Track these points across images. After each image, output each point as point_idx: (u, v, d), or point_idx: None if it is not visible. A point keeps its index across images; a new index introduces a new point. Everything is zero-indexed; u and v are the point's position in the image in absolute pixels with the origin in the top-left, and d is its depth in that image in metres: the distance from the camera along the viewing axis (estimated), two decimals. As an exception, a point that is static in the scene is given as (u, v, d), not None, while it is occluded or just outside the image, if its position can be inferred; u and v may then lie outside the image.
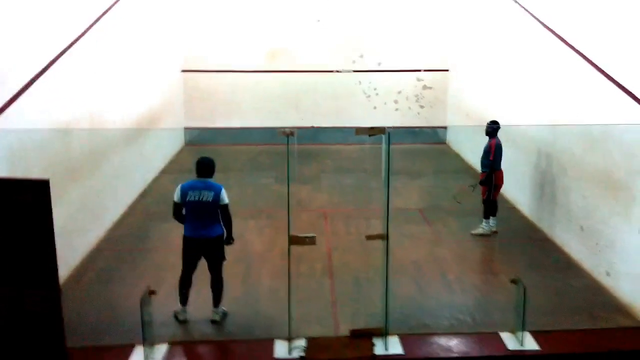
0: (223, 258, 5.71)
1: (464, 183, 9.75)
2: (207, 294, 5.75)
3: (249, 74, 13.34)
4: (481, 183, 7.97)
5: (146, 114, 10.39)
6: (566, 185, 7.38)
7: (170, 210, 5.64)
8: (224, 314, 5.77)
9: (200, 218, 5.53)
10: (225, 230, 5.67)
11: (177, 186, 5.62)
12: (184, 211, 5.61)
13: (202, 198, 5.48)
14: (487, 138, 7.96)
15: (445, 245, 7.75)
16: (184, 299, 5.70)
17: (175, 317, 5.69)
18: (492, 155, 7.78)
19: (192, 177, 5.79)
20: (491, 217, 8.01)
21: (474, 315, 5.88)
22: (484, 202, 7.99)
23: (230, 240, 5.74)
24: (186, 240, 5.63)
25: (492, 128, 7.91)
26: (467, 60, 12.27)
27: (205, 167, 5.60)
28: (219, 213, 5.57)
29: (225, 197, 5.54)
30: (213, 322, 5.66)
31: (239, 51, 13.22)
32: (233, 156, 11.92)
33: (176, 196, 5.56)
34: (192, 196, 5.49)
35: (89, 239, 7.37)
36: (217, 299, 5.71)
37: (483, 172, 7.99)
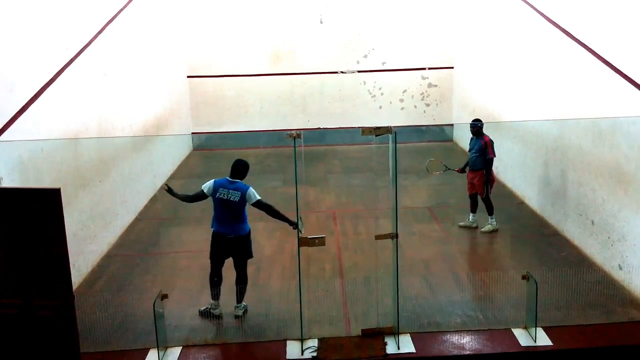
0: (249, 256, 5.89)
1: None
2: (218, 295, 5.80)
3: (255, 77, 13.39)
4: (485, 183, 7.89)
5: (154, 121, 10.46)
6: (575, 179, 7.34)
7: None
8: (246, 309, 5.91)
9: (228, 215, 5.73)
10: (284, 219, 5.68)
11: (210, 180, 5.79)
12: (197, 203, 5.84)
13: (229, 197, 5.69)
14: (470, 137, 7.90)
15: (455, 242, 7.73)
16: (215, 294, 5.84)
17: (210, 312, 5.80)
18: (491, 151, 7.74)
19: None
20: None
21: (486, 312, 5.86)
22: (484, 200, 7.95)
23: (294, 225, 5.52)
24: (215, 235, 5.82)
25: (478, 126, 7.86)
26: (471, 57, 12.23)
27: (237, 169, 5.82)
28: (260, 210, 5.71)
29: (253, 195, 5.71)
30: (236, 317, 5.80)
31: (244, 56, 13.27)
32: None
33: (207, 188, 5.76)
34: (221, 194, 5.72)
35: (100, 245, 7.43)
36: (240, 295, 5.86)
37: (478, 170, 7.87)
